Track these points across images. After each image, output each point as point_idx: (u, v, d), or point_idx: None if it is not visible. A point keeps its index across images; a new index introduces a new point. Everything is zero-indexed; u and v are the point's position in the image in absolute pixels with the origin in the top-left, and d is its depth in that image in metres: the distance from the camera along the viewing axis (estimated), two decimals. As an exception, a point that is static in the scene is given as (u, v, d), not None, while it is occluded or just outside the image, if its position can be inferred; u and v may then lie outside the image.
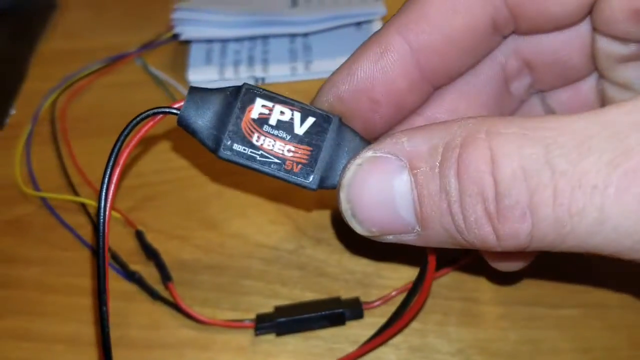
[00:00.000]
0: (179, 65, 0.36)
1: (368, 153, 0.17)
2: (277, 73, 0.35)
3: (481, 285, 0.26)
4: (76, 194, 0.31)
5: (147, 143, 0.33)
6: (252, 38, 0.37)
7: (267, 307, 0.26)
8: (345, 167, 0.18)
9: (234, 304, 0.26)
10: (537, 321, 0.25)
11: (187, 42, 0.37)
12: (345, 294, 0.26)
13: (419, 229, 0.17)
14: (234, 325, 0.25)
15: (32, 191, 0.31)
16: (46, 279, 0.28)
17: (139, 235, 0.28)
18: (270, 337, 0.25)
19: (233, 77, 0.35)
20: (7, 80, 0.37)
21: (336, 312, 0.25)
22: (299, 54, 0.36)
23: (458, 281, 0.26)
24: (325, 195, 0.29)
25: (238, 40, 0.37)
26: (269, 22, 0.34)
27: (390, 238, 0.18)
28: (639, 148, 0.14)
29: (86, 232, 0.29)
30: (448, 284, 0.26)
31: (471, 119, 0.16)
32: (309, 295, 0.26)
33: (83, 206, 0.30)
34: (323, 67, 0.35)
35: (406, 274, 0.26)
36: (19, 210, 0.30)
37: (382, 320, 0.25)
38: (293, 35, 0.37)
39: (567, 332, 0.24)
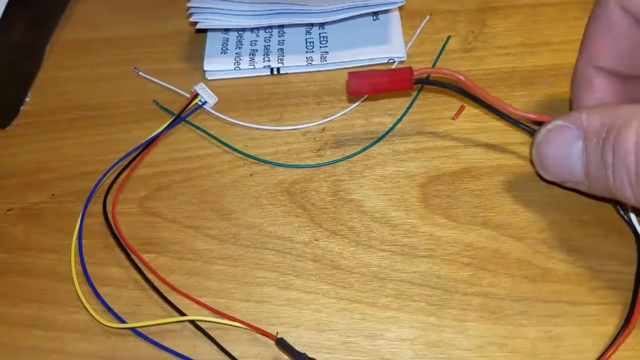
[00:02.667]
0: (195, 55, 0.36)
1: (557, 122, 0.24)
2: (293, 64, 0.34)
3: (500, 281, 0.25)
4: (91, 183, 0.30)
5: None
6: (268, 28, 0.36)
7: (281, 298, 0.25)
8: (539, 129, 0.24)
9: (247, 294, 0.26)
10: (558, 318, 0.24)
11: (204, 31, 0.37)
12: (360, 287, 0.26)
13: (587, 183, 0.23)
14: None
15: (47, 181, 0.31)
16: (59, 267, 0.28)
17: (284, 345, 0.24)
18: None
19: (249, 67, 0.34)
20: (23, 68, 0.37)
21: None
22: (315, 44, 0.35)
23: (476, 276, 0.25)
24: (341, 187, 0.29)
25: (254, 30, 0.36)
26: (285, 11, 0.34)
27: (568, 184, 0.25)
28: None
29: (101, 220, 0.29)
30: (466, 279, 0.25)
31: (635, 107, 0.21)
32: (323, 287, 0.26)
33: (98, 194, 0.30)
34: (339, 58, 0.34)
35: (422, 267, 0.26)
36: (33, 198, 0.30)
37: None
38: (309, 26, 0.36)
39: (589, 329, 0.24)
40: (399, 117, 0.32)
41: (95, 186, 0.30)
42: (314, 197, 0.29)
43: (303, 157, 0.31)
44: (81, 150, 0.32)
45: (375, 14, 0.36)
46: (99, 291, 0.26)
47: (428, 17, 0.36)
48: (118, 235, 0.28)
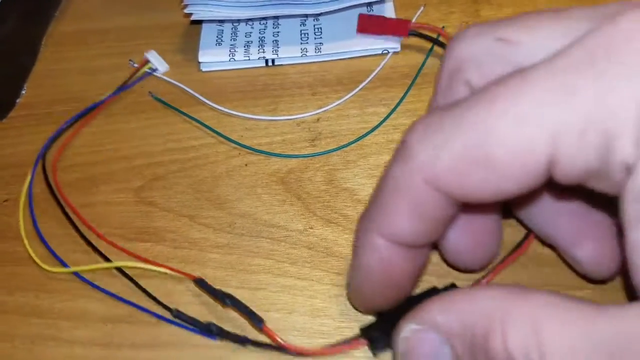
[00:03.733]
0: (190, 47, 0.36)
1: (412, 326, 0.19)
2: (288, 55, 0.35)
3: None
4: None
5: (158, 123, 0.33)
6: (262, 20, 0.36)
7: (276, 285, 0.26)
8: (396, 335, 0.20)
9: (242, 282, 0.26)
10: (550, 303, 0.24)
11: (198, 23, 0.37)
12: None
13: None
14: (343, 348, 0.23)
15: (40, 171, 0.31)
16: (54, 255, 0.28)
17: (202, 283, 0.25)
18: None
19: (244, 59, 0.35)
20: (19, 61, 0.37)
21: None
22: (310, 36, 0.35)
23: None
24: (336, 176, 0.29)
25: (249, 21, 0.36)
26: (280, 2, 0.34)
27: None
28: None
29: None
30: (459, 264, 0.26)
31: (492, 296, 0.17)
32: (317, 274, 0.26)
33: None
34: (334, 49, 0.35)
35: (416, 255, 0.26)
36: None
37: None
38: (304, 17, 0.36)
39: (580, 314, 0.24)
40: (393, 107, 0.32)
41: (42, 151, 0.32)
42: (309, 186, 0.29)
43: (298, 147, 0.31)
44: (76, 142, 0.32)
45: (370, 5, 0.36)
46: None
47: (422, 8, 0.36)
48: (55, 189, 0.30)
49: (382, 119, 0.31)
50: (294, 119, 0.32)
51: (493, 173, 0.17)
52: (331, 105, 0.32)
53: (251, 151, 0.31)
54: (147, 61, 0.34)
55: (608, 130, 0.15)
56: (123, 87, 0.34)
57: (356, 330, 0.24)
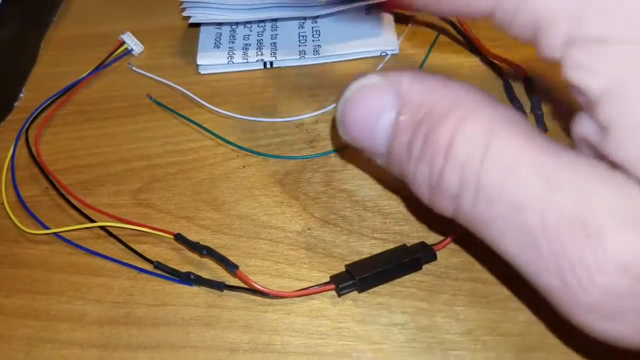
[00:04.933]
0: (189, 49, 0.36)
1: (375, 78, 0.19)
2: (286, 57, 0.35)
3: (490, 266, 0.25)
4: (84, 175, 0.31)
5: (156, 125, 0.33)
6: (261, 22, 0.36)
7: (274, 286, 0.26)
8: (354, 81, 0.19)
9: (240, 283, 0.26)
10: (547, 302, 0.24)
11: (197, 26, 0.37)
12: (353, 275, 0.26)
13: (386, 161, 0.19)
14: (313, 292, 0.25)
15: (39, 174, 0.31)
16: (53, 258, 0.28)
17: (181, 238, 0.27)
18: (352, 294, 0.25)
19: (242, 61, 0.35)
20: (18, 64, 0.37)
21: (414, 258, 0.25)
22: (308, 38, 0.35)
23: (466, 262, 0.26)
24: (334, 177, 0.29)
25: (247, 24, 0.37)
26: (278, 5, 0.34)
27: (365, 154, 0.20)
28: None
29: (93, 212, 0.29)
30: (456, 265, 0.26)
31: (468, 91, 0.17)
32: (315, 275, 0.26)
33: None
34: (332, 51, 0.35)
35: (414, 255, 0.26)
36: (27, 191, 0.30)
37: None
38: (302, 20, 0.36)
39: (579, 314, 0.24)
40: (391, 108, 0.32)
41: (25, 123, 0.33)
42: (307, 187, 0.29)
43: (296, 149, 0.31)
44: (75, 145, 0.32)
45: (368, 7, 0.36)
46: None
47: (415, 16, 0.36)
48: (37, 159, 0.31)
49: (380, 121, 0.31)
50: (292, 120, 0.32)
51: None
52: (329, 107, 0.32)
53: (249, 153, 0.31)
54: (122, 42, 0.36)
55: None
56: (102, 66, 0.36)
57: (355, 330, 0.24)
